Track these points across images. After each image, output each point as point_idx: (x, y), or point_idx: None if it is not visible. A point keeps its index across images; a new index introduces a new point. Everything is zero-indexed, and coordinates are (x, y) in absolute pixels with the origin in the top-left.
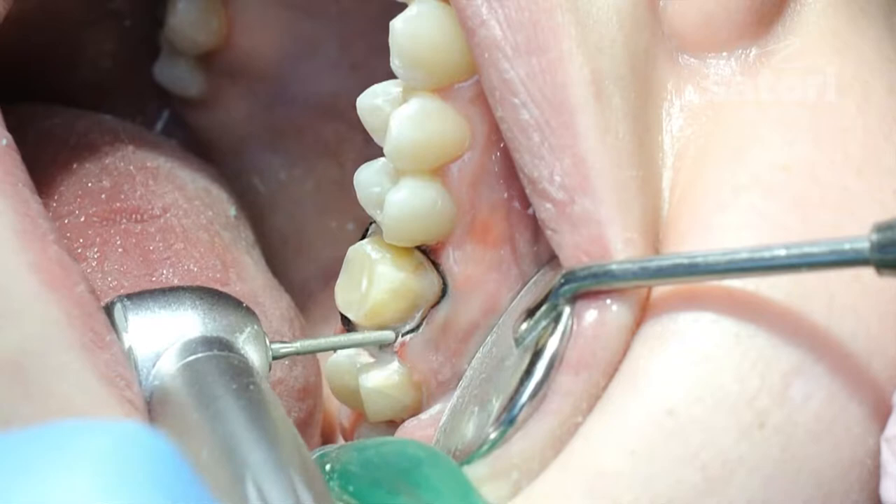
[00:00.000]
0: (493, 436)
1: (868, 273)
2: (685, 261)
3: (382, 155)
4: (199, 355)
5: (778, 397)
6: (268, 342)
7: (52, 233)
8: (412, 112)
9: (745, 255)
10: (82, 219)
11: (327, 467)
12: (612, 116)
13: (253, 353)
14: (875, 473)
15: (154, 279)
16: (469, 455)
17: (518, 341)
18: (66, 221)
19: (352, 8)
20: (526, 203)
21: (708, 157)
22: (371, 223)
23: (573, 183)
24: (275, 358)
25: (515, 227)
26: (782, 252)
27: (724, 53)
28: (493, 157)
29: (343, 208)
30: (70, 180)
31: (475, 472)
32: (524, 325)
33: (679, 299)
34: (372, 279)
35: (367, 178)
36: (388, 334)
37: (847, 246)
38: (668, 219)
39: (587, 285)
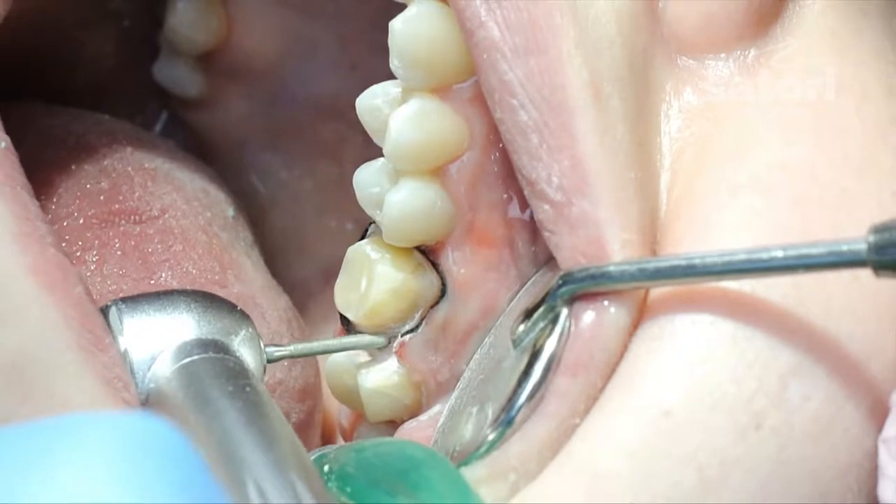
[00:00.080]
0: (490, 437)
1: (866, 274)
2: (683, 262)
3: (382, 155)
4: (195, 357)
5: (775, 398)
6: (262, 345)
7: (50, 235)
8: (411, 112)
9: (742, 257)
10: (81, 221)
11: (325, 468)
12: (611, 118)
13: (247, 356)
14: (873, 475)
15: (153, 282)
16: (467, 456)
17: (516, 342)
18: (64, 224)
19: (351, 8)
20: (525, 204)
21: (706, 157)
22: (370, 223)
23: (571, 184)
24: (269, 361)
25: (514, 228)
26: (780, 253)
27: (723, 54)
28: (492, 158)
29: (342, 208)
30: (68, 182)
31: (473, 473)
32: (522, 327)
33: (677, 301)
34: (371, 279)
35: (367, 178)
36: (380, 339)
37: (845, 247)
38: (666, 220)
39: (585, 287)
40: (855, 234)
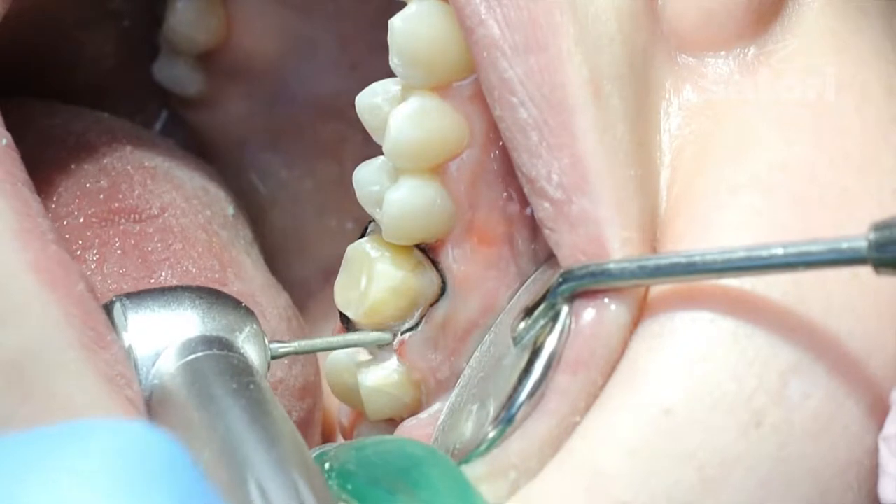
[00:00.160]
0: (491, 435)
1: (866, 272)
2: (683, 260)
3: (382, 153)
4: (199, 354)
5: (775, 396)
6: (266, 342)
7: (51, 232)
8: (411, 110)
9: (742, 255)
10: (81, 220)
11: (326, 466)
12: (611, 115)
13: (251, 353)
14: (873, 472)
15: (153, 281)
16: (467, 454)
17: (516, 340)
18: (64, 223)
19: (351, 7)
20: (524, 202)
21: (706, 156)
22: (370, 222)
23: (571, 182)
24: (273, 358)
25: (514, 226)
26: (780, 251)
27: (723, 53)
28: (492, 156)
29: (342, 207)
30: (68, 181)
31: (473, 471)
32: (522, 324)
33: (677, 298)
34: (371, 277)
35: (366, 176)
36: (386, 335)
37: (845, 245)
38: (665, 218)
39: (585, 284)
40: (855, 233)
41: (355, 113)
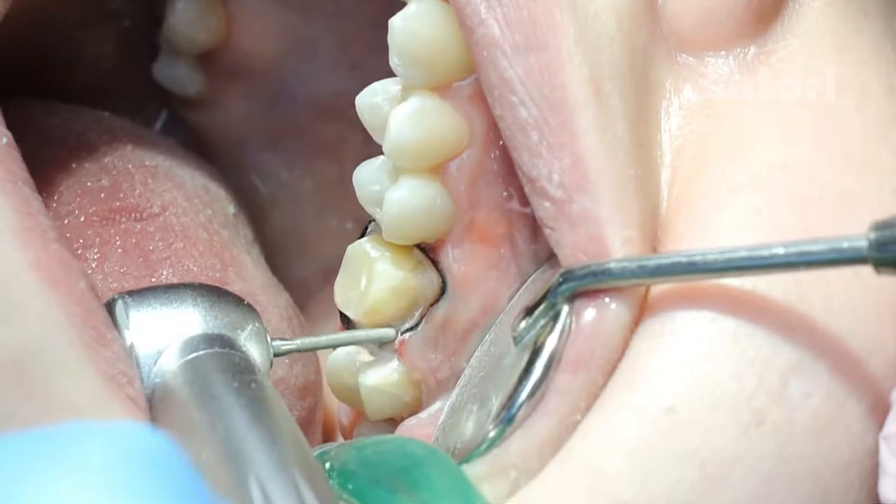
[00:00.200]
0: (491, 434)
1: (867, 271)
2: (683, 259)
3: (382, 153)
4: (201, 353)
5: (776, 395)
6: (269, 339)
7: (52, 231)
8: (411, 110)
9: (743, 254)
10: (82, 218)
11: (326, 465)
12: (611, 115)
13: (254, 351)
14: (874, 472)
15: (154, 280)
16: (468, 454)
17: (517, 340)
18: (65, 222)
19: (351, 7)
20: (525, 201)
21: (707, 155)
22: (370, 221)
23: (572, 181)
24: (276, 355)
25: (514, 226)
26: (781, 251)
27: (723, 52)
28: (492, 156)
29: (342, 207)
30: (69, 180)
31: (474, 470)
32: (523, 324)
33: (677, 298)
34: (371, 277)
35: (366, 176)
36: (390, 332)
37: (845, 244)
38: (666, 217)
39: (586, 284)
40: (855, 232)
41: (355, 113)
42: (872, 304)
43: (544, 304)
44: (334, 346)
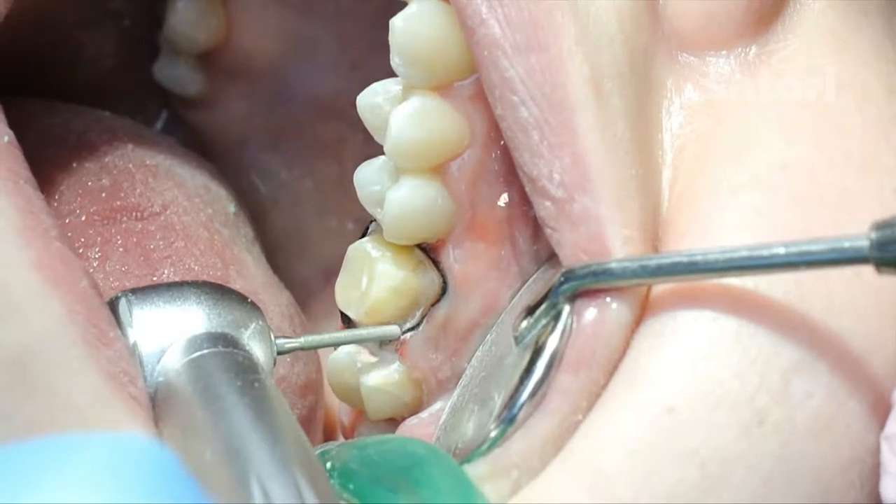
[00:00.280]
0: (493, 434)
1: (868, 271)
2: (684, 259)
3: (382, 153)
4: (205, 352)
5: (777, 395)
6: (272, 338)
7: (54, 229)
8: (412, 110)
9: (744, 254)
10: (83, 218)
11: (328, 465)
12: (612, 114)
13: (257, 349)
14: (875, 471)
15: (155, 279)
16: (469, 453)
17: (518, 339)
18: (66, 221)
19: (351, 7)
20: (526, 201)
21: (707, 155)
22: (371, 221)
23: (572, 181)
24: (279, 353)
25: (515, 226)
26: (781, 250)
27: (724, 52)
28: (493, 156)
29: (343, 207)
30: (70, 180)
31: (475, 470)
32: (524, 324)
33: (679, 297)
34: (372, 277)
35: (367, 176)
36: (393, 329)
37: (846, 244)
38: (667, 217)
39: (587, 284)
40: (856, 232)
41: (356, 113)
42: (873, 303)
43: (545, 304)
44: (337, 344)
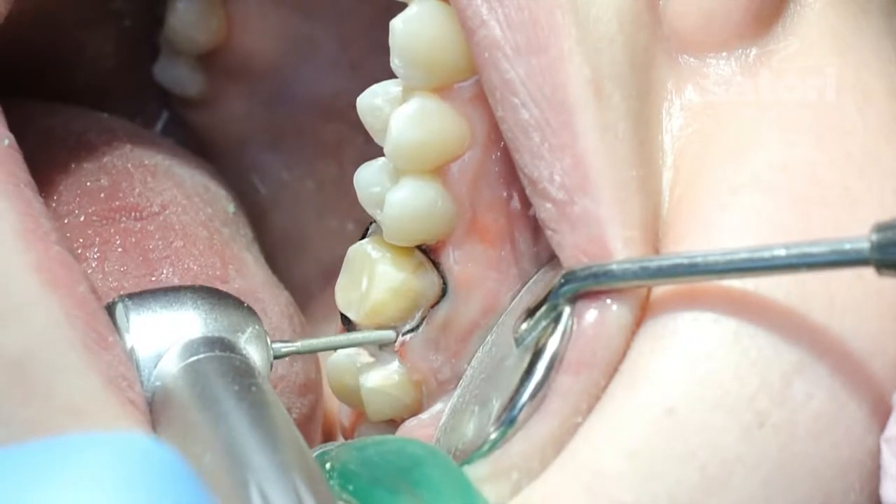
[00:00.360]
0: (493, 436)
1: (869, 273)
2: (685, 261)
3: (382, 155)
4: (201, 356)
5: (778, 396)
6: (269, 342)
7: (54, 232)
8: (412, 111)
9: (744, 255)
10: (82, 218)
11: (327, 466)
12: (612, 115)
13: (254, 353)
14: (875, 473)
15: (154, 279)
16: (469, 455)
17: (518, 341)
18: (65, 221)
19: (351, 8)
20: (526, 202)
21: (708, 156)
22: (371, 223)
23: (573, 182)
24: (276, 357)
25: (515, 227)
26: (782, 252)
27: (724, 53)
28: (494, 157)
29: (343, 208)
30: (68, 180)
31: (475, 471)
32: (524, 325)
33: (679, 299)
34: (372, 279)
35: (367, 177)
36: (389, 334)
37: (847, 246)
38: (667, 218)
39: (587, 285)
40: (857, 233)
41: (356, 114)
42: (874, 305)
43: (546, 306)
44: (334, 348)
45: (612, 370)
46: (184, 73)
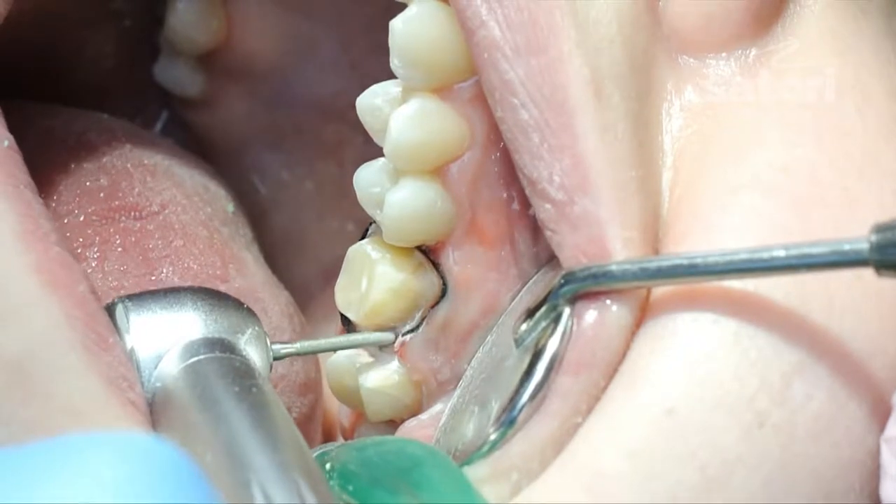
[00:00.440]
0: (493, 436)
1: (869, 273)
2: (684, 261)
3: (382, 155)
4: (202, 357)
5: (777, 397)
6: (269, 343)
7: (54, 233)
8: (412, 112)
9: (744, 256)
10: (81, 218)
11: (327, 466)
12: (612, 116)
13: (254, 354)
14: (875, 474)
15: (154, 278)
16: (469, 455)
17: (518, 342)
18: (65, 221)
19: (351, 8)
20: (525, 203)
21: (708, 157)
22: (371, 223)
23: (573, 183)
24: (276, 358)
25: (515, 227)
26: (782, 253)
27: (724, 54)
28: (493, 158)
29: (343, 208)
30: (68, 180)
31: (475, 472)
32: (524, 326)
33: (679, 299)
34: (372, 279)
35: (367, 177)
36: (388, 335)
37: (847, 247)
38: (667, 219)
39: (587, 286)
40: (857, 234)
41: (356, 114)
42: (874, 306)
43: (546, 306)
44: (333, 349)
45: (612, 371)
46: (184, 73)
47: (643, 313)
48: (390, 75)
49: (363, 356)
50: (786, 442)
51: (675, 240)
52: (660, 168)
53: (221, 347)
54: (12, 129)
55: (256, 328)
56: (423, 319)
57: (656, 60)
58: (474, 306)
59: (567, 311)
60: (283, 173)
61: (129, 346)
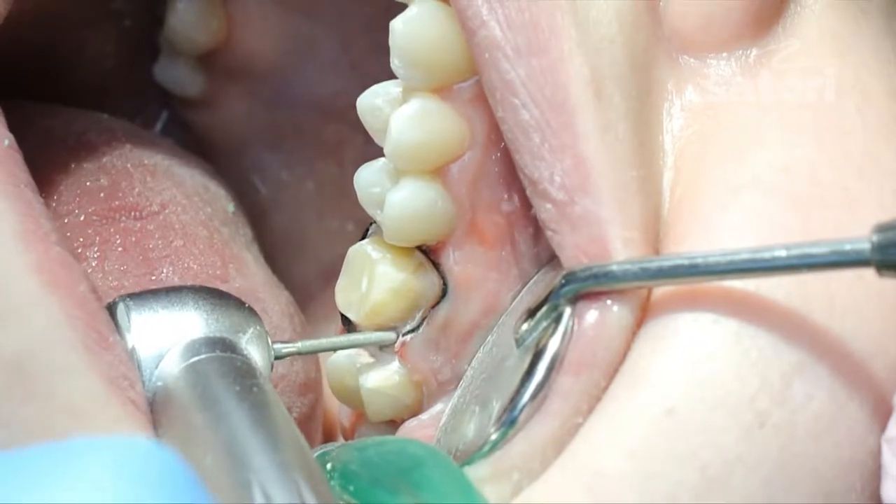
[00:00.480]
0: (494, 436)
1: (870, 274)
2: (685, 261)
3: (382, 155)
4: (203, 356)
5: (778, 397)
6: (270, 342)
7: (54, 233)
8: (412, 112)
9: (745, 256)
10: (82, 218)
11: (328, 466)
12: (613, 116)
13: (256, 354)
14: (876, 474)
15: (154, 278)
16: (470, 455)
17: (519, 342)
18: (65, 221)
19: (351, 8)
20: (526, 203)
21: (708, 157)
22: (371, 223)
23: (573, 183)
24: (277, 358)
25: (515, 228)
26: (783, 253)
27: (724, 54)
28: (494, 158)
29: (343, 208)
30: (69, 180)
31: (476, 472)
32: (525, 326)
33: (679, 300)
34: (372, 279)
35: (368, 178)
36: (390, 335)
37: (847, 247)
38: (668, 219)
39: (588, 286)
40: (857, 234)
41: (356, 114)
42: (875, 306)
43: (546, 306)
44: (334, 349)
45: (613, 371)
46: (184, 73)
47: (644, 313)
48: (390, 75)
49: (363, 356)
50: (786, 442)
51: (675, 240)
52: (661, 168)
53: (223, 347)
54: (12, 128)
55: (258, 327)
56: (423, 319)
57: (657, 60)
58: (475, 306)
59: (568, 311)
60: (283, 173)
61: (130, 345)
